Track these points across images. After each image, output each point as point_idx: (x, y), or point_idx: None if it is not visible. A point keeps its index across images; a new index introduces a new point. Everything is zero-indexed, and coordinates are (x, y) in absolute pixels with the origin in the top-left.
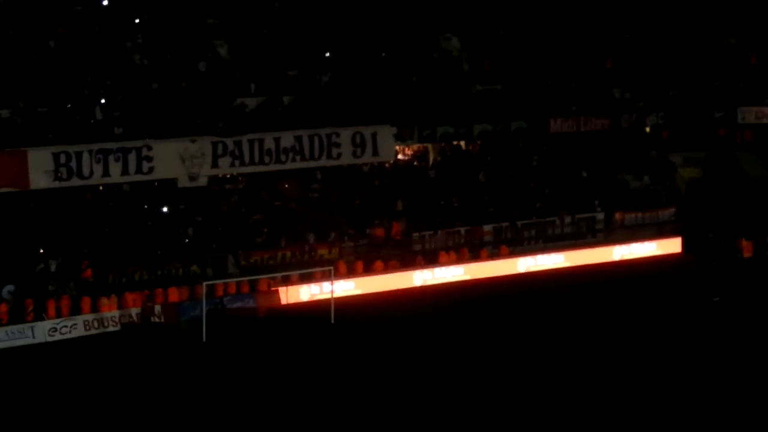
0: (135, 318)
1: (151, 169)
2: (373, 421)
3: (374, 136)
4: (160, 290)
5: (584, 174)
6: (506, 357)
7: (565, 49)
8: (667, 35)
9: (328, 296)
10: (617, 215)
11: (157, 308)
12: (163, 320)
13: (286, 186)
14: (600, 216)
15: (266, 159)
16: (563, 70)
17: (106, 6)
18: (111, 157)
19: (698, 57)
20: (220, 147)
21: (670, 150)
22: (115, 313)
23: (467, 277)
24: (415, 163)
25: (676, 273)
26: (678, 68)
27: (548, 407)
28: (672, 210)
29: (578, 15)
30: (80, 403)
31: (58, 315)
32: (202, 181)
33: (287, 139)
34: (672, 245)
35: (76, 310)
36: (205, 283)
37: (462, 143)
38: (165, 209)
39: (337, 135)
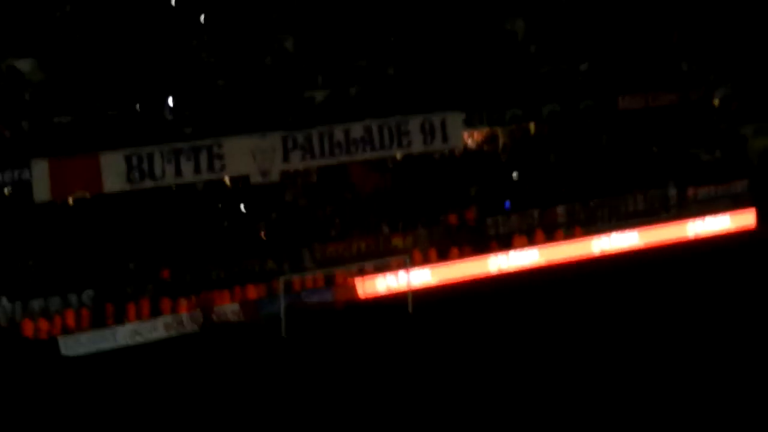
0: (214, 318)
1: (222, 167)
2: (456, 409)
3: (443, 122)
4: (237, 288)
5: (655, 150)
6: (586, 339)
7: (631, 25)
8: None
9: (405, 286)
10: (690, 190)
11: (218, 309)
12: (240, 318)
13: (357, 177)
14: (673, 192)
15: (336, 151)
16: (630, 46)
17: (170, 4)
18: (182, 157)
19: (763, 25)
20: (290, 141)
21: (741, 121)
22: (195, 313)
23: (542, 260)
24: (485, 147)
25: (751, 245)
26: (745, 38)
27: (634, 385)
28: (745, 182)
29: None
30: (168, 405)
31: (139, 317)
32: (274, 177)
33: (356, 130)
34: (746, 218)
35: (155, 312)
36: (282, 279)
37: (531, 125)
38: (239, 206)
39: (406, 123)
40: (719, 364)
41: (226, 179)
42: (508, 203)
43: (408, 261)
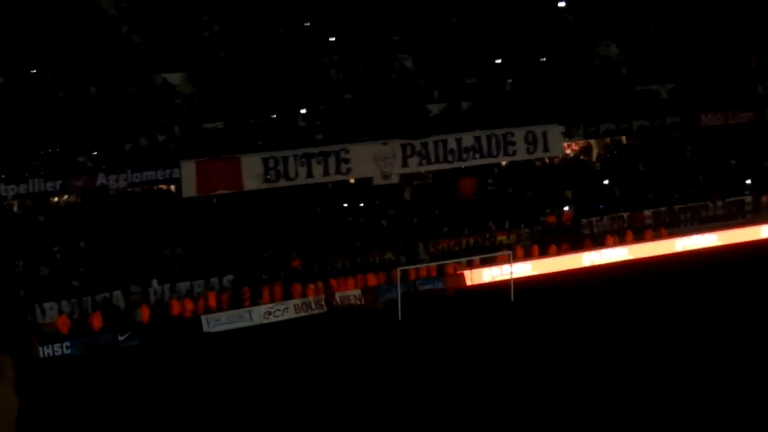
0: (339, 301)
1: (348, 170)
2: (550, 386)
3: (545, 134)
4: (360, 276)
5: (733, 162)
6: (671, 327)
7: (713, 51)
8: None
9: (508, 277)
10: (764, 198)
11: (338, 295)
12: (361, 302)
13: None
14: (748, 199)
15: (449, 158)
16: (712, 69)
17: (304, 27)
18: (313, 161)
19: None
20: (408, 148)
21: None
22: (321, 297)
23: (630, 257)
24: (582, 157)
25: None
26: None
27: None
28: None
29: (724, 19)
30: (296, 376)
31: (272, 300)
32: (394, 179)
33: (467, 140)
34: None
35: (287, 296)
36: (399, 269)
37: (623, 138)
38: (362, 204)
39: (512, 134)
40: None
41: (352, 180)
42: (601, 206)
43: (511, 255)
